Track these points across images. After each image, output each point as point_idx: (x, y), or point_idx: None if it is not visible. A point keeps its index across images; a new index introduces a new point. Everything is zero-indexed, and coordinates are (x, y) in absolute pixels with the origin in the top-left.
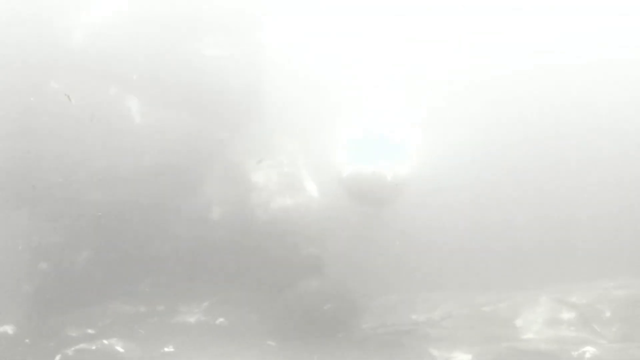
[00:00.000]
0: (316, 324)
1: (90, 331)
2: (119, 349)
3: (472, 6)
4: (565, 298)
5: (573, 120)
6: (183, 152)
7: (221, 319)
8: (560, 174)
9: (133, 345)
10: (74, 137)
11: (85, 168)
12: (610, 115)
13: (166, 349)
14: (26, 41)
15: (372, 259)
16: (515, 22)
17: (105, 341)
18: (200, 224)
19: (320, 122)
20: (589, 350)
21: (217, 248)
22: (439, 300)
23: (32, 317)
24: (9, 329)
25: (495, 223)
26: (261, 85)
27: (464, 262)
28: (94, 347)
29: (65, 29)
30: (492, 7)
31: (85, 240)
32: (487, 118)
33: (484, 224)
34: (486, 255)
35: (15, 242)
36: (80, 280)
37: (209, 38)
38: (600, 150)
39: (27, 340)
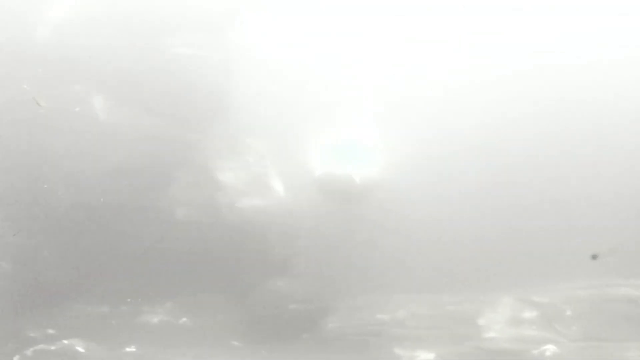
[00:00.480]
0: (282, 324)
1: (50, 331)
2: (80, 349)
3: (451, 5)
4: (528, 297)
5: (546, 121)
6: (149, 152)
7: (185, 319)
8: (526, 174)
9: (94, 345)
10: (35, 136)
11: (46, 167)
12: (586, 117)
13: (128, 349)
14: None
15: (339, 260)
16: (500, 22)
17: (65, 341)
18: (165, 224)
19: (292, 123)
20: (550, 348)
21: (182, 248)
22: (404, 301)
23: None
24: None
25: (459, 224)
26: (231, 85)
27: (429, 263)
28: (53, 348)
29: (31, 24)
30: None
31: (47, 239)
32: (463, 119)
33: (448, 225)
34: (450, 256)
35: None
36: (41, 280)
37: (179, 36)
38: (570, 150)
39: None
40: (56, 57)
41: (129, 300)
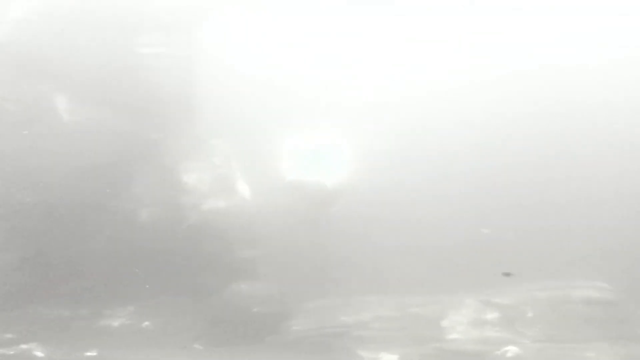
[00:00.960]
0: (245, 327)
1: (8, 335)
2: (39, 353)
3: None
4: (490, 299)
5: (515, 123)
6: (112, 152)
7: (147, 323)
8: (489, 180)
9: (54, 349)
10: None
11: (7, 167)
12: (546, 120)
13: (89, 354)
14: None
15: (302, 262)
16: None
17: (24, 346)
18: (127, 225)
19: (259, 124)
20: (511, 349)
21: (145, 250)
22: (367, 303)
23: None
24: None
25: (423, 228)
26: (197, 85)
27: (393, 265)
28: (12, 352)
29: None
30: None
31: (6, 242)
32: (431, 125)
33: (412, 229)
34: (414, 258)
35: None
36: None
37: (144, 35)
38: (530, 152)
39: None
40: (19, 57)
41: (89, 303)
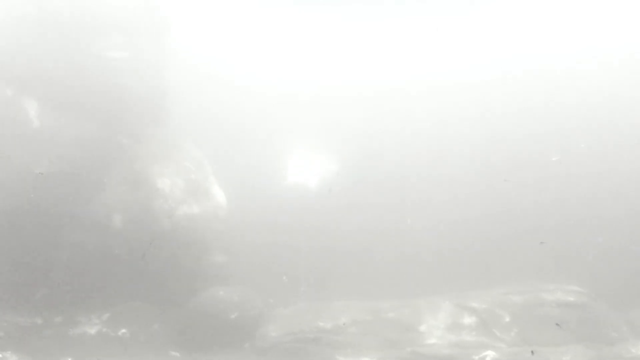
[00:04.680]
0: (222, 333)
1: None
2: None
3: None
4: (466, 303)
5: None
6: (81, 156)
7: (123, 330)
8: (465, 181)
9: (28, 357)
10: None
11: None
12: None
13: None
14: None
15: (279, 268)
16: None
17: None
18: (100, 232)
19: (233, 128)
20: (490, 354)
21: (119, 257)
22: (344, 308)
23: None
24: None
25: (399, 232)
26: (166, 89)
27: (369, 270)
28: None
29: None
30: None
31: None
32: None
33: (389, 233)
34: (390, 263)
35: None
36: None
37: (113, 38)
38: (506, 159)
39: None
40: None
41: (62, 310)
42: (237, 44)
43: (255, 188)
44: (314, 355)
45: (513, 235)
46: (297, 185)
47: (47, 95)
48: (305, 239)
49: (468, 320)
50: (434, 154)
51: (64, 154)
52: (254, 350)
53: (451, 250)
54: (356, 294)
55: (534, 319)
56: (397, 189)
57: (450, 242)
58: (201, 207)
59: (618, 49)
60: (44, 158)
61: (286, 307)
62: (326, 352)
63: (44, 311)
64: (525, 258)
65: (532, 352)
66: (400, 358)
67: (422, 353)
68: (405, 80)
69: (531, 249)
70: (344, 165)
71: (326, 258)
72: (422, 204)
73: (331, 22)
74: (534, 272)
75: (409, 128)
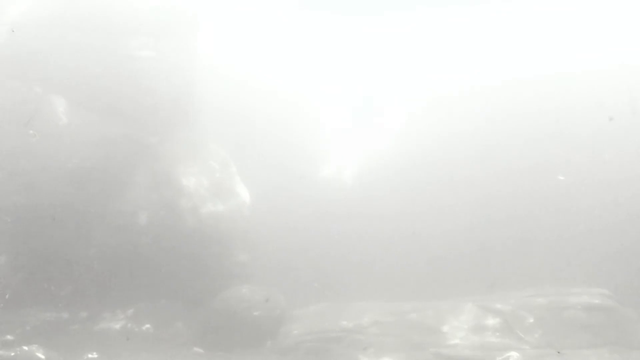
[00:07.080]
0: (245, 331)
1: (9, 337)
2: (40, 355)
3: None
4: (490, 305)
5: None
6: (109, 155)
7: (147, 326)
8: (486, 183)
9: (54, 351)
10: None
11: (6, 169)
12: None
13: (90, 356)
14: None
15: (302, 266)
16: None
17: (25, 347)
18: (126, 229)
19: (258, 128)
20: (513, 355)
21: (144, 254)
22: (367, 308)
23: None
24: None
25: (424, 234)
26: (193, 90)
27: (393, 270)
28: (12, 354)
29: None
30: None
31: (5, 244)
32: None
33: (411, 234)
34: (415, 264)
35: None
36: None
37: (142, 39)
38: (526, 161)
39: None
40: (16, 61)
41: (88, 306)
42: (263, 45)
43: (279, 187)
44: (336, 354)
45: (539, 238)
46: (321, 185)
47: (75, 94)
48: (328, 238)
49: (492, 321)
50: (458, 154)
51: (91, 152)
52: (276, 349)
53: (475, 253)
54: (379, 294)
55: (558, 321)
56: (422, 190)
57: (474, 244)
58: (226, 206)
59: None
60: (73, 156)
61: (310, 306)
62: (348, 351)
63: (70, 306)
64: (550, 260)
65: (558, 352)
66: (423, 358)
67: (444, 354)
68: (427, 83)
69: (557, 252)
70: (368, 166)
71: (349, 258)
72: (446, 206)
73: (358, 26)
74: (560, 274)
75: (442, 129)
